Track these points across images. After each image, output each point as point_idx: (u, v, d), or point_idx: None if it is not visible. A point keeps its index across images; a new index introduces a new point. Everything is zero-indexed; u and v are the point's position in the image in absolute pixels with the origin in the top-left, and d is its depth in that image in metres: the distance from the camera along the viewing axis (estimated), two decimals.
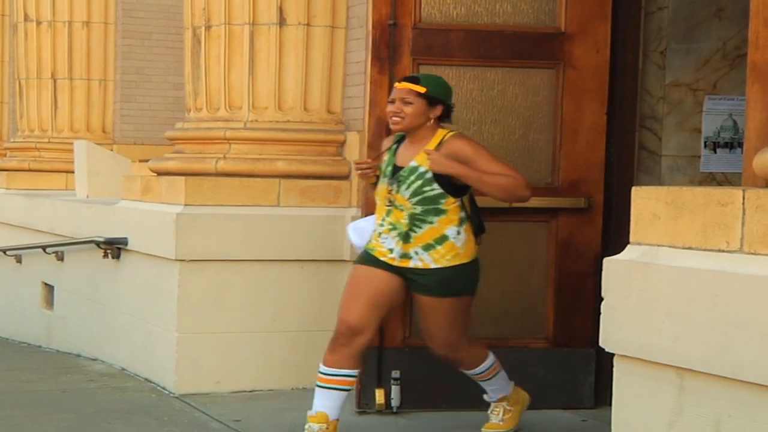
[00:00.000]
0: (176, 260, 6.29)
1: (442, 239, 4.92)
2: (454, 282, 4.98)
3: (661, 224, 3.43)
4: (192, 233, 6.28)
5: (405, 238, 4.94)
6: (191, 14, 6.78)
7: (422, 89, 4.94)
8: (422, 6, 5.80)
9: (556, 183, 5.88)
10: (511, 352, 5.75)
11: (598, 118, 5.89)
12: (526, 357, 5.87)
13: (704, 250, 3.28)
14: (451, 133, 4.99)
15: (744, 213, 3.15)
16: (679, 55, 6.26)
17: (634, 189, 3.57)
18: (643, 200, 3.51)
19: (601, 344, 3.65)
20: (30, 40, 10.00)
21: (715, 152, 6.37)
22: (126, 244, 6.99)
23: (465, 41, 5.81)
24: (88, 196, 8.70)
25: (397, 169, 5.00)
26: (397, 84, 5.06)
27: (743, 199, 3.16)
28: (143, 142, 10.08)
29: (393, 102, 4.99)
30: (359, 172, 5.05)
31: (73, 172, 9.15)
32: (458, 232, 4.94)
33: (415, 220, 4.92)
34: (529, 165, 5.82)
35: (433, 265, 4.93)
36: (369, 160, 5.08)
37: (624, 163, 6.15)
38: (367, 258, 5.04)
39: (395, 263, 4.96)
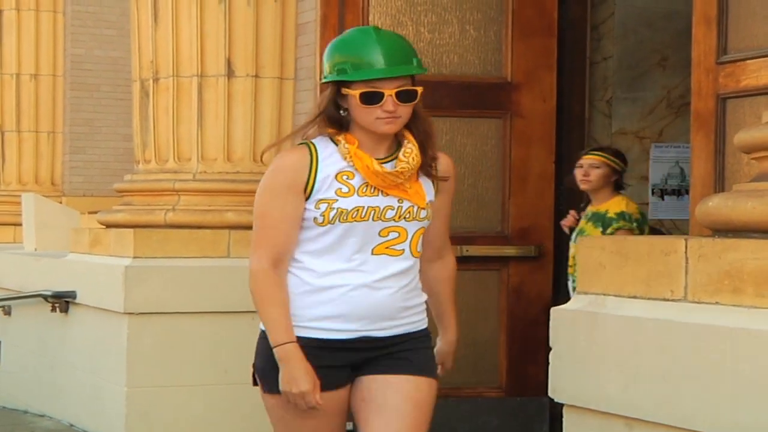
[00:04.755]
0: (125, 313, 6.22)
1: None
2: None
3: (607, 273, 3.43)
4: (141, 286, 6.21)
5: None
6: (139, 66, 6.75)
7: None
8: None
9: (506, 231, 5.89)
10: (465, 402, 5.72)
11: (547, 166, 5.92)
12: (480, 406, 5.84)
13: (649, 299, 3.29)
14: None
15: (687, 262, 3.17)
16: (625, 104, 6.33)
17: (579, 239, 3.59)
18: (589, 249, 3.52)
19: (549, 394, 3.64)
20: None
21: (663, 199, 6.42)
22: (74, 298, 6.90)
23: None
24: (36, 249, 8.60)
25: None
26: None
27: (686, 248, 3.18)
28: (92, 193, 10.00)
29: None
30: None
31: (20, 224, 9.04)
32: None
33: None
34: (479, 213, 5.83)
35: None
36: None
37: None
38: None
39: None
